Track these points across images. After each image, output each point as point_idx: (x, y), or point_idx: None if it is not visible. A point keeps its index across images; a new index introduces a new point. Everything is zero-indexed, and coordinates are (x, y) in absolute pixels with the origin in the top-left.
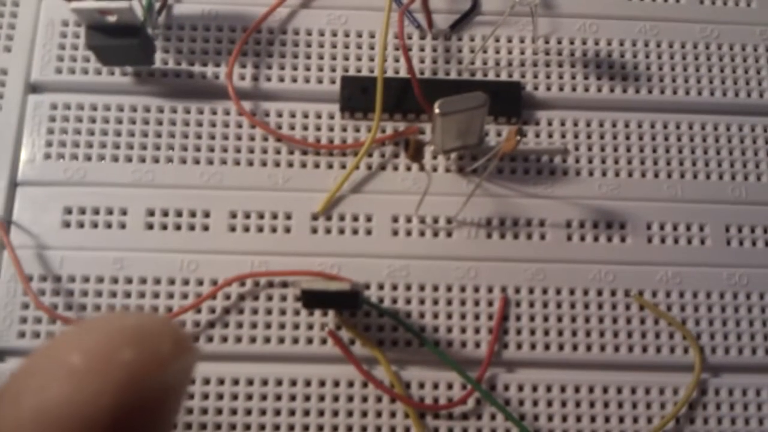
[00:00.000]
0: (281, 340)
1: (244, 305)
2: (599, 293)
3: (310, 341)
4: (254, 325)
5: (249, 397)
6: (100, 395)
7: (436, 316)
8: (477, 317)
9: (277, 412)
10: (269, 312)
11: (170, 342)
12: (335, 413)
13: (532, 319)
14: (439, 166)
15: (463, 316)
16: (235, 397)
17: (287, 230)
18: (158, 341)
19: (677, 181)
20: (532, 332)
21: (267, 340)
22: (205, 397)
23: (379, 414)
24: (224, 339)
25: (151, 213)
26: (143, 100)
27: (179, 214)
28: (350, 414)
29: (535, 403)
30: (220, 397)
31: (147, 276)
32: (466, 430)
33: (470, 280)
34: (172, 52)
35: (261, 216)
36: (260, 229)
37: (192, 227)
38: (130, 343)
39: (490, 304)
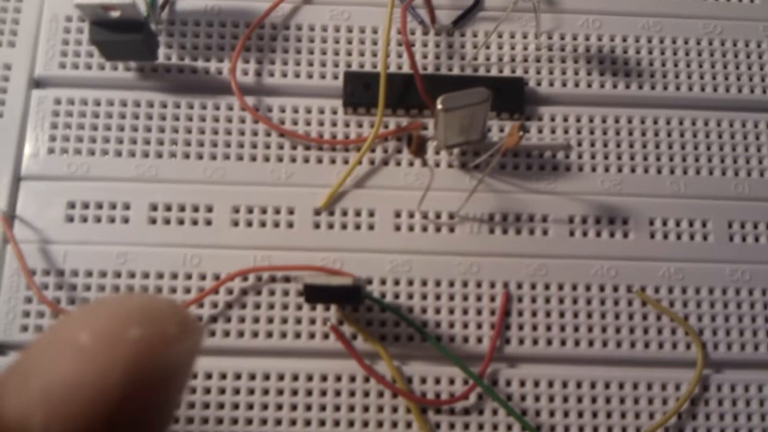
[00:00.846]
0: (283, 335)
1: (247, 300)
2: (601, 289)
3: (312, 336)
4: (256, 320)
5: (251, 392)
6: (108, 373)
7: (438, 311)
8: (479, 312)
9: (279, 407)
10: (271, 307)
11: (176, 322)
12: (337, 408)
13: (534, 314)
14: (441, 161)
15: (465, 312)
16: (237, 391)
17: (290, 225)
18: (164, 321)
19: (680, 177)
20: (534, 328)
21: (269, 334)
22: (207, 391)
23: (380, 409)
24: (227, 334)
25: (155, 208)
26: (146, 95)
27: (182, 208)
28: (352, 409)
29: (537, 399)
30: (222, 391)
31: (150, 270)
32: (467, 426)
33: (472, 275)
34: (175, 48)
35: (264, 211)
36: (263, 224)
37: (195, 222)
38: (137, 322)
39: (493, 299)
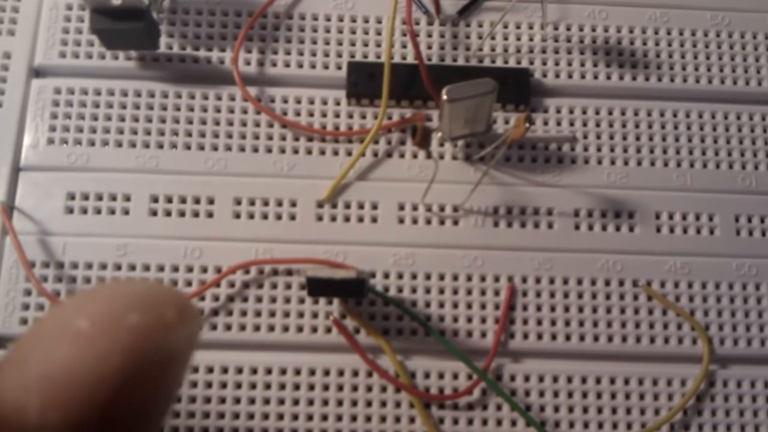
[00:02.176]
0: (285, 329)
1: (249, 293)
2: (607, 283)
3: (314, 330)
4: (258, 314)
5: (253, 386)
6: (106, 358)
7: (442, 305)
8: (483, 306)
9: (281, 402)
10: (273, 300)
11: (175, 308)
12: (340, 403)
13: (538, 308)
14: (446, 153)
15: (469, 306)
16: (238, 386)
17: (292, 217)
18: (163, 307)
19: (686, 170)
20: (539, 322)
21: (271, 328)
22: (209, 385)
23: (383, 404)
24: (228, 327)
25: (155, 199)
26: (147, 84)
27: (183, 200)
28: (354, 404)
29: (542, 394)
30: (224, 385)
31: (150, 263)
32: (471, 421)
33: (477, 268)
34: (176, 37)
35: (266, 203)
36: (265, 216)
37: (196, 214)
38: (136, 308)
39: (497, 293)
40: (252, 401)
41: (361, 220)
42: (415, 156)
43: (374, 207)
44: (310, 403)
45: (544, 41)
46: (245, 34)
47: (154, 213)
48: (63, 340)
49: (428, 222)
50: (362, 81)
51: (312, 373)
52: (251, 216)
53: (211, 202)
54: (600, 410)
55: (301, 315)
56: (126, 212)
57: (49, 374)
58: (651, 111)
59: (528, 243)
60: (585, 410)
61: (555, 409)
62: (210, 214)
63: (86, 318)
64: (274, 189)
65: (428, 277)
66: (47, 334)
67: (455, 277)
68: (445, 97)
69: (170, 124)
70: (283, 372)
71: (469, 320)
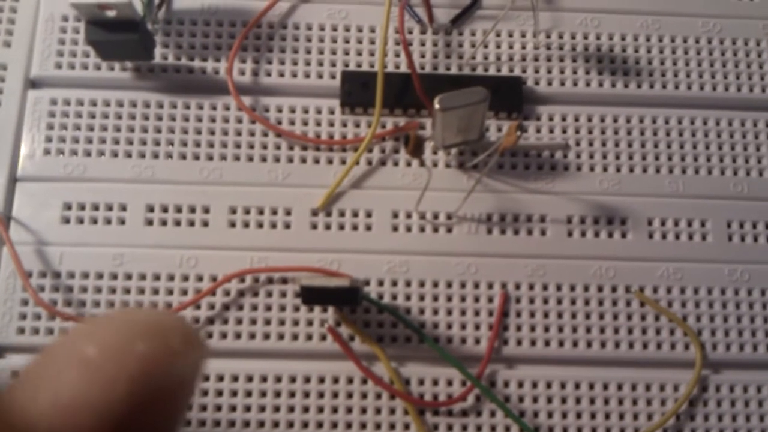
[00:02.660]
0: (281, 337)
1: (244, 301)
2: (600, 289)
3: (309, 338)
4: (254, 322)
5: (248, 394)
6: (114, 385)
7: (436, 312)
8: (477, 313)
9: (277, 409)
10: (269, 308)
11: (181, 337)
12: (335, 410)
13: (532, 315)
14: (439, 161)
15: (463, 312)
16: (234, 394)
17: (287, 226)
18: (169, 336)
19: (678, 176)
20: (532, 328)
21: (266, 336)
22: (204, 394)
23: (378, 411)
24: (224, 335)
25: (151, 209)
26: (143, 95)
27: (179, 209)
28: (349, 411)
29: (535, 400)
30: (220, 394)
31: (146, 272)
32: (465, 427)
33: (470, 276)
34: (171, 47)
35: (260, 212)
36: (260, 225)
37: (191, 223)
38: (143, 336)
39: (490, 300)
40: (247, 409)
41: (355, 228)
42: (408, 164)
43: (368, 215)
44: (305, 410)
45: (536, 49)
46: (240, 44)
47: (150, 222)
48: (72, 366)
49: (422, 229)
50: (356, 90)
51: (307, 380)
52: (246, 225)
53: (206, 211)
54: (593, 416)
55: (296, 323)
56: (122, 222)
57: (59, 399)
58: (643, 118)
59: (521, 250)
60: (578, 416)
61: (548, 415)
62: (205, 224)
63: (95, 345)
64: (268, 198)
65: (422, 284)
66: (57, 361)
67: (449, 284)
68: (437, 106)
69: (165, 134)
70: (278, 380)
71: (463, 327)
